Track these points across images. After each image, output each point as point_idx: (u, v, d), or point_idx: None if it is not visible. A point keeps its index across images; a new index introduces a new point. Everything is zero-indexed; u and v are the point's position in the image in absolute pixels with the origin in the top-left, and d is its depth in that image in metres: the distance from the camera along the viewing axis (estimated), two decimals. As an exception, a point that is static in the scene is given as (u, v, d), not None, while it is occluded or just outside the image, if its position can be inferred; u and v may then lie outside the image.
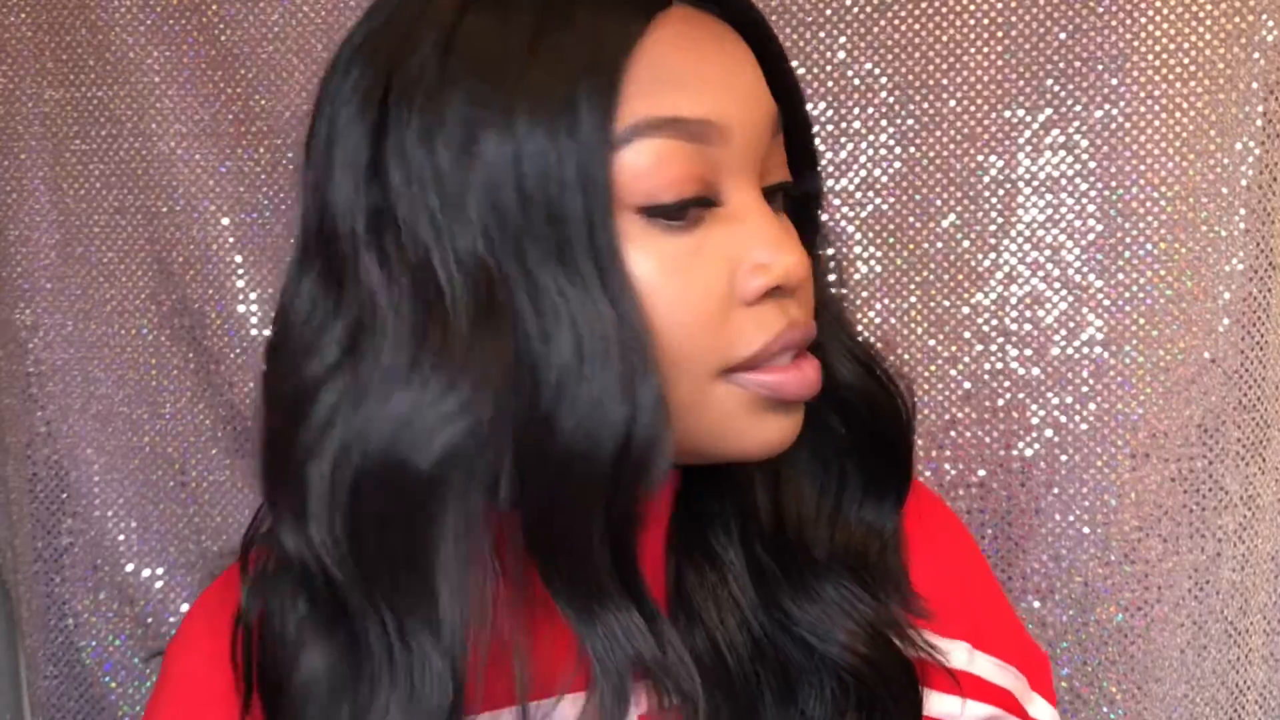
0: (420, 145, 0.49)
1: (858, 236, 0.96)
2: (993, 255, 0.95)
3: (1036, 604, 0.96)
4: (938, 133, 0.94)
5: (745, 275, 0.52)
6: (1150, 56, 0.91)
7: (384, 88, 0.51)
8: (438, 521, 0.49)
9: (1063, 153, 0.93)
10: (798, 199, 0.60)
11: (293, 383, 0.51)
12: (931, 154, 0.95)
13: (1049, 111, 0.93)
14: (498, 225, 0.49)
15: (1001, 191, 0.94)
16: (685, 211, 0.51)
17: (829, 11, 0.94)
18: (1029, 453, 0.95)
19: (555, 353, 0.48)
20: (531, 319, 0.48)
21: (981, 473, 0.96)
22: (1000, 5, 0.93)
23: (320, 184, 0.51)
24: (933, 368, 0.96)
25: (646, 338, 0.49)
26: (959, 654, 0.62)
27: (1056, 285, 0.94)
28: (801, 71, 0.95)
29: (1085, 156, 0.93)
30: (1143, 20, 0.91)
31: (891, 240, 0.96)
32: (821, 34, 0.95)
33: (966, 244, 0.95)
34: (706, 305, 0.51)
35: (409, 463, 0.48)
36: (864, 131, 0.95)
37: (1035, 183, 0.94)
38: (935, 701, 0.59)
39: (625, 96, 0.50)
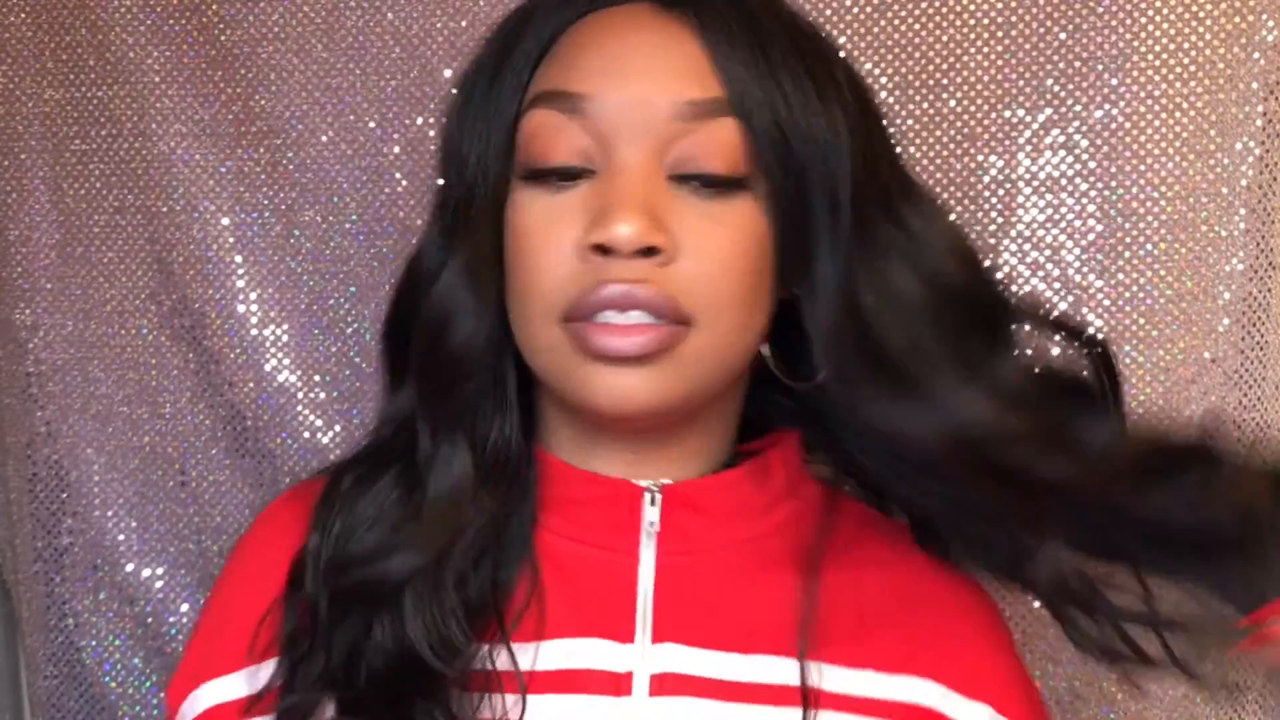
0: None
1: (858, 236, 0.96)
2: (992, 255, 0.95)
3: (1036, 604, 0.95)
4: (937, 132, 0.94)
5: (586, 233, 0.60)
6: (1150, 56, 0.91)
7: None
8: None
9: (1063, 153, 0.93)
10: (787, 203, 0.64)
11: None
12: (931, 154, 0.95)
13: (1049, 111, 0.93)
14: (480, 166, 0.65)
15: (1001, 191, 0.94)
16: (568, 176, 0.62)
17: (829, 11, 0.94)
18: (1029, 453, 0.95)
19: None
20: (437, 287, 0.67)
21: (982, 472, 0.96)
22: (1000, 5, 0.93)
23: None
24: (933, 368, 0.96)
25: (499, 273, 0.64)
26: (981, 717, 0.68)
27: (1056, 285, 0.94)
28: (801, 71, 0.95)
29: (1085, 156, 0.93)
30: (1143, 20, 0.91)
31: (891, 240, 0.96)
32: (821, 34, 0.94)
33: (966, 244, 0.95)
34: (552, 253, 0.61)
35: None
36: (864, 131, 0.95)
37: (1035, 183, 0.94)
38: None
39: (536, 77, 0.63)
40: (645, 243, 0.60)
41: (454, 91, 0.68)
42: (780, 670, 0.63)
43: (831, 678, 0.63)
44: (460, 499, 0.63)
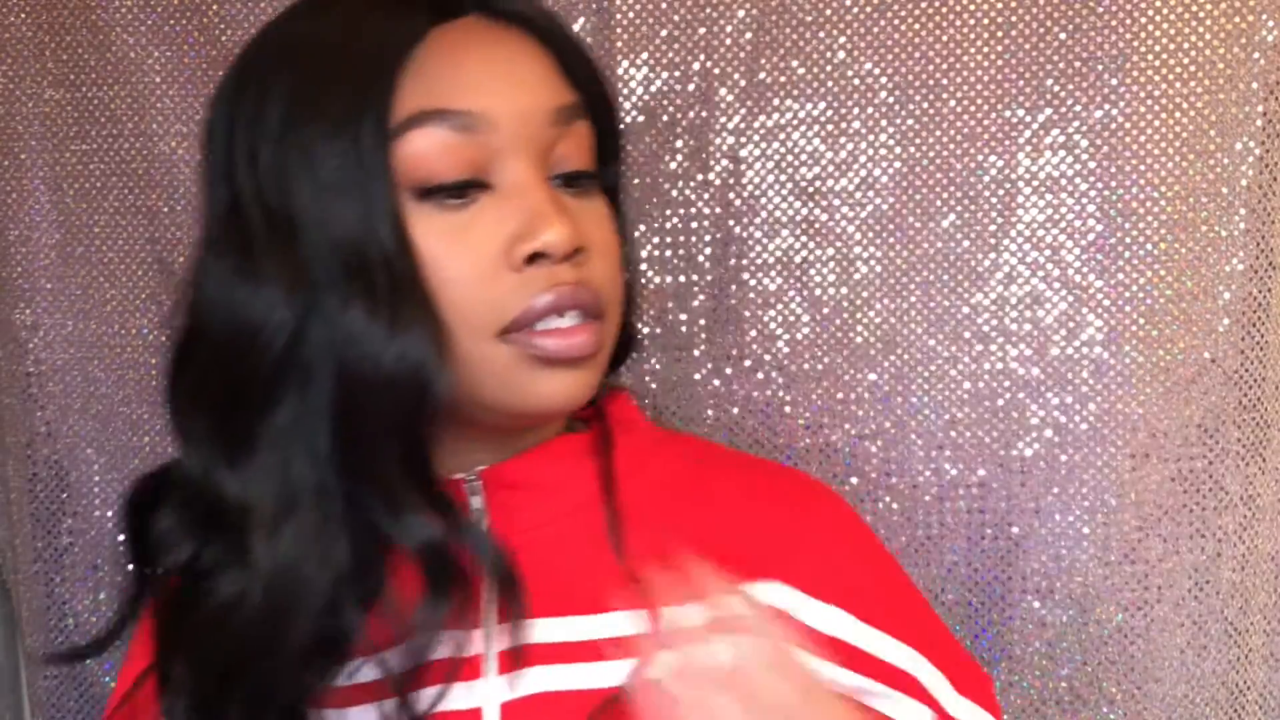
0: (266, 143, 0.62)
1: (857, 236, 0.96)
2: (992, 255, 0.95)
3: (1036, 604, 0.96)
4: (937, 132, 0.94)
5: (514, 245, 0.61)
6: (1150, 56, 0.91)
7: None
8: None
9: (1063, 153, 0.93)
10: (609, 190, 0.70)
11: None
12: (931, 154, 0.95)
13: (1049, 111, 0.93)
14: (336, 189, 0.60)
15: (1001, 191, 0.94)
16: (461, 191, 0.61)
17: (829, 11, 0.94)
18: (1029, 453, 0.95)
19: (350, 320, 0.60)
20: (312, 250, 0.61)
21: (981, 472, 0.96)
22: (1000, 5, 0.93)
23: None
24: (932, 368, 0.96)
25: (423, 297, 0.60)
26: (839, 621, 0.68)
27: (1056, 285, 0.94)
28: (801, 71, 0.95)
29: (1085, 156, 0.93)
30: (1143, 20, 0.91)
31: (891, 240, 0.96)
32: (821, 34, 0.95)
33: (966, 244, 0.95)
34: (476, 271, 0.61)
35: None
36: (864, 131, 0.95)
37: (1035, 183, 0.94)
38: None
39: (401, 95, 0.60)
40: (576, 244, 0.62)
41: (223, 109, 0.65)
42: (631, 622, 0.63)
43: (685, 612, 0.63)
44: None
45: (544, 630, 0.65)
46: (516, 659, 0.63)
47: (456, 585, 0.62)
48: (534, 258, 0.61)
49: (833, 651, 0.66)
